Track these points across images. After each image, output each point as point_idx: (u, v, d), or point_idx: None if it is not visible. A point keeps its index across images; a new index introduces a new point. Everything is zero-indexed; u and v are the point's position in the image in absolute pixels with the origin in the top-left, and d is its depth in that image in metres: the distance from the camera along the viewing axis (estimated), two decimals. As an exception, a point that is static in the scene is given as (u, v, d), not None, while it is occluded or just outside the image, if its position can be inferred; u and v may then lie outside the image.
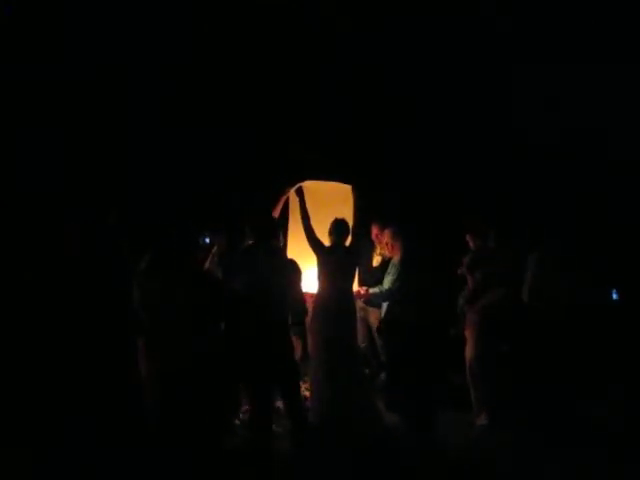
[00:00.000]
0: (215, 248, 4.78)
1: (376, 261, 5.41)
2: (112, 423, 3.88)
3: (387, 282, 5.09)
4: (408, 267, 4.51)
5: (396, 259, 5.05)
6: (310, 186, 4.94)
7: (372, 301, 5.16)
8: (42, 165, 5.73)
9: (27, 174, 5.55)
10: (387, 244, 5.18)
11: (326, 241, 4.68)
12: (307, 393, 4.68)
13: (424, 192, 6.17)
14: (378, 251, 5.42)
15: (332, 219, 4.67)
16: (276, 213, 4.84)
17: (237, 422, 4.60)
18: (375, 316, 5.13)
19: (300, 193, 4.76)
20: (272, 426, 4.10)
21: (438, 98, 6.20)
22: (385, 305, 5.07)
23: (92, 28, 5.81)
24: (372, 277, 5.23)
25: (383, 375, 5.08)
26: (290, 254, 4.67)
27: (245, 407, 4.87)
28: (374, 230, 5.38)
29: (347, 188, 4.94)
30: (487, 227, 4.86)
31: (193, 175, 6.12)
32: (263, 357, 3.94)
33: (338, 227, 4.63)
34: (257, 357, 3.93)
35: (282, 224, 4.83)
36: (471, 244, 4.81)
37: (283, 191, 4.89)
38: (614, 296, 5.21)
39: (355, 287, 5.03)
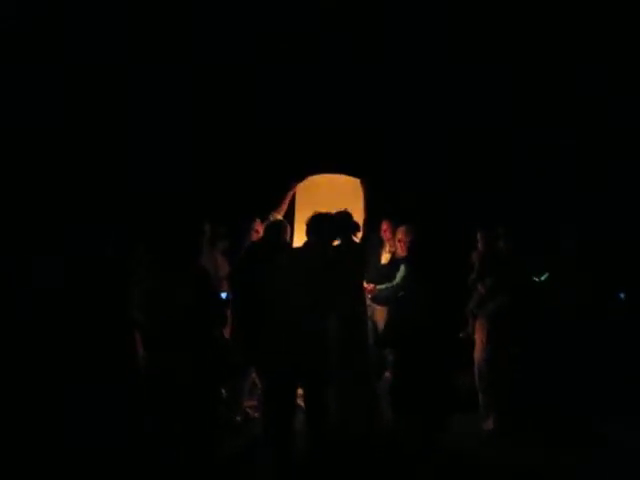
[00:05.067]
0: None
1: (385, 259, 5.25)
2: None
3: (399, 277, 4.97)
4: (415, 267, 4.36)
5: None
6: (318, 180, 4.82)
7: (379, 298, 5.03)
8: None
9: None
10: (400, 242, 5.02)
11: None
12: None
13: (433, 190, 6.02)
14: (387, 249, 5.26)
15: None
16: (283, 209, 4.74)
17: (238, 419, 4.59)
18: (381, 314, 5.00)
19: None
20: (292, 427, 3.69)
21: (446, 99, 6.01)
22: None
23: (93, 29, 5.70)
24: (380, 275, 5.07)
25: (388, 374, 4.99)
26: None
27: (250, 403, 4.87)
28: (384, 226, 5.22)
29: (356, 181, 4.81)
30: (497, 226, 4.70)
31: (195, 170, 6.03)
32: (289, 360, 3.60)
33: (339, 223, 4.44)
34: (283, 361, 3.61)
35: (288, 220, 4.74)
36: (480, 243, 4.67)
37: (289, 187, 4.79)
38: (621, 297, 5.07)
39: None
